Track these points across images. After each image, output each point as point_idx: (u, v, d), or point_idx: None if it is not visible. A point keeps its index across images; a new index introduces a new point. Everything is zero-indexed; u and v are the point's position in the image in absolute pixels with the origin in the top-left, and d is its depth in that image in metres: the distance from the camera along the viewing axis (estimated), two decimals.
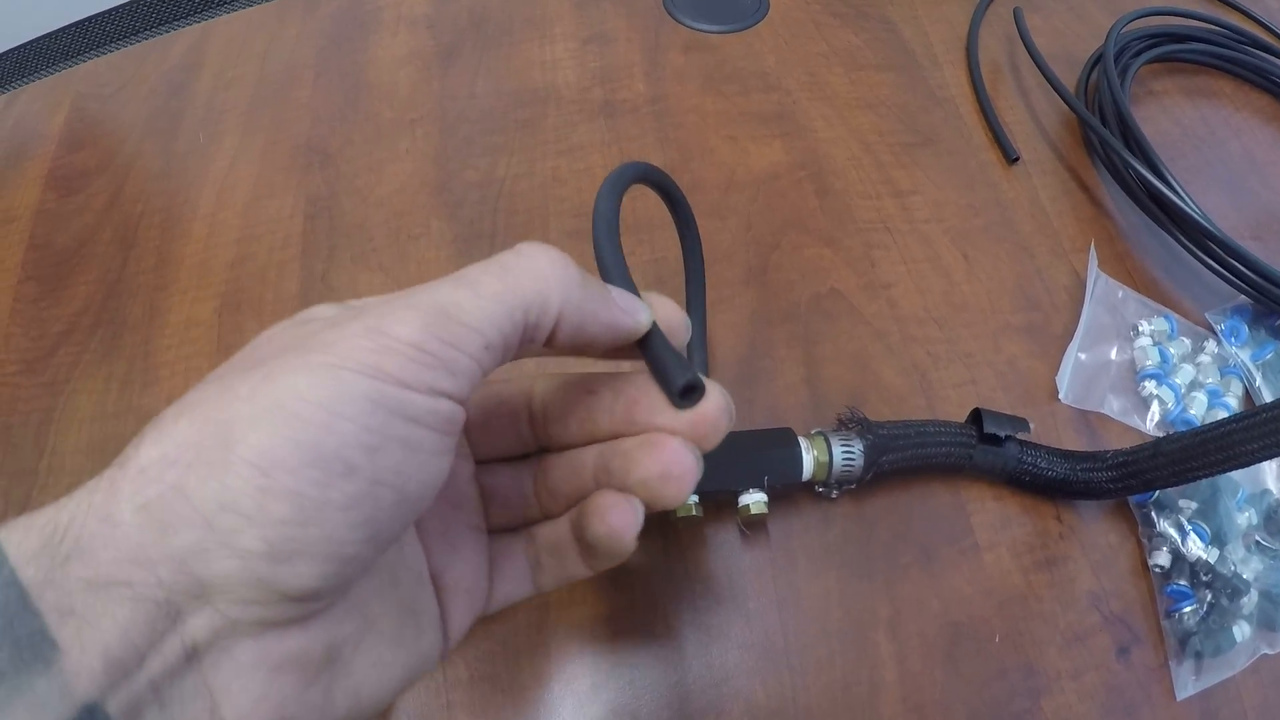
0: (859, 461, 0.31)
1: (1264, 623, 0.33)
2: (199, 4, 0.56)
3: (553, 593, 0.31)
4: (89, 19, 0.56)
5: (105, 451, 0.35)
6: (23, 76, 0.50)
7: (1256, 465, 0.36)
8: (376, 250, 0.40)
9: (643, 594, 0.32)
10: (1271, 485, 0.36)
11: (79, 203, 0.42)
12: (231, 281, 0.39)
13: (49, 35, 0.55)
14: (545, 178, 0.42)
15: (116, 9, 0.56)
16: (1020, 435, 0.33)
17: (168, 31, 0.51)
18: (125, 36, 0.54)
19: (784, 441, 0.31)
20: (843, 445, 0.31)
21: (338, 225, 0.41)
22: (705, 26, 0.49)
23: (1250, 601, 0.33)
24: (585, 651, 0.30)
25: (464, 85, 0.46)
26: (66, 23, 0.56)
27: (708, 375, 0.34)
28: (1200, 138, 0.47)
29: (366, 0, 0.51)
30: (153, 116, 0.45)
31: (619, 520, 0.21)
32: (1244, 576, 0.33)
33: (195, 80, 0.47)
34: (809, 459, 0.31)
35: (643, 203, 0.40)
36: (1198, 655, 0.32)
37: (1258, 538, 0.35)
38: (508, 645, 0.30)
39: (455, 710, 0.29)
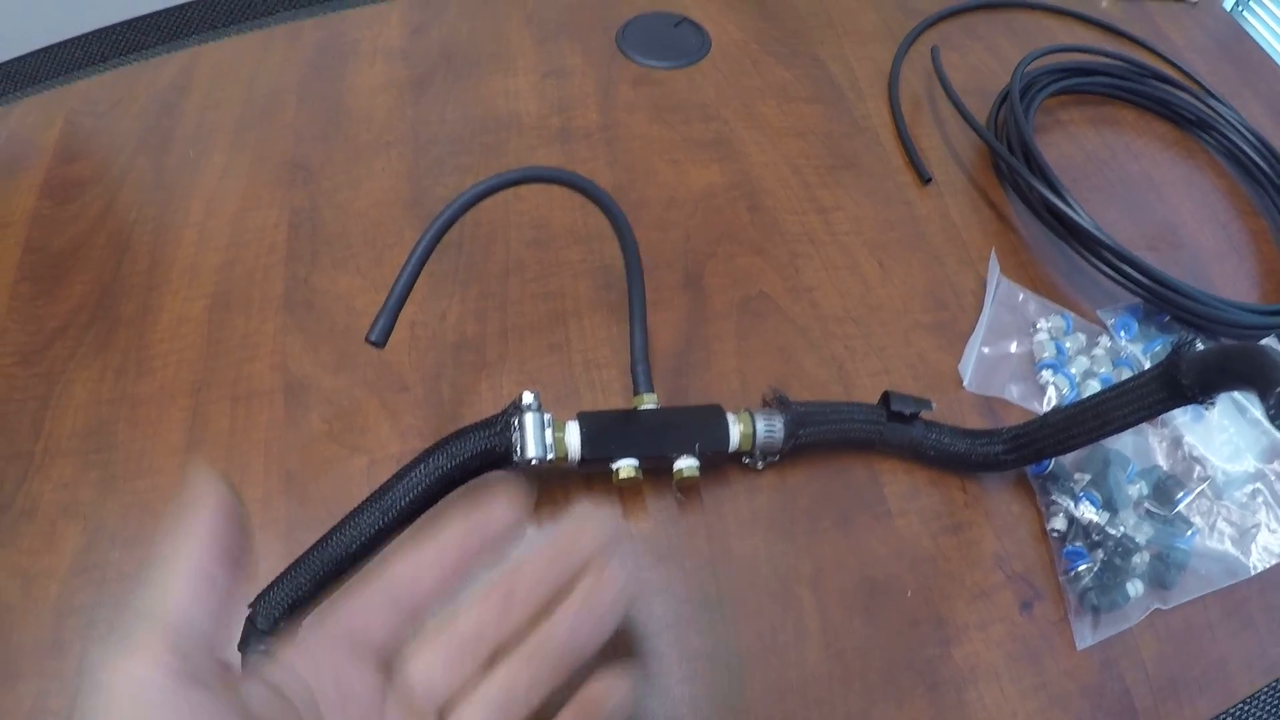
0: (780, 433, 0.35)
1: (1156, 581, 0.37)
2: (183, 29, 0.58)
3: None
4: (77, 38, 0.57)
5: (100, 435, 0.37)
6: (11, 92, 0.53)
7: (1146, 444, 0.41)
8: (355, 256, 0.43)
9: None
10: (1160, 460, 0.40)
11: (74, 210, 0.45)
12: (220, 283, 0.42)
13: (37, 52, 0.57)
14: (507, 195, 0.45)
15: (101, 31, 0.58)
16: (924, 413, 0.37)
17: (154, 54, 0.54)
18: (112, 57, 0.56)
19: (714, 415, 0.35)
20: (765, 419, 0.35)
21: (319, 234, 0.44)
22: (653, 63, 0.54)
23: (1142, 561, 0.37)
24: None
25: (435, 112, 0.50)
26: (55, 41, 0.57)
27: (649, 368, 0.38)
28: (1103, 160, 0.53)
29: (345, 33, 0.55)
30: (145, 133, 0.49)
31: None
32: (1135, 539, 0.37)
33: (185, 100, 0.50)
34: (736, 430, 0.35)
35: (595, 218, 0.44)
36: (1095, 609, 0.36)
37: (1148, 506, 0.39)
38: None
39: None
